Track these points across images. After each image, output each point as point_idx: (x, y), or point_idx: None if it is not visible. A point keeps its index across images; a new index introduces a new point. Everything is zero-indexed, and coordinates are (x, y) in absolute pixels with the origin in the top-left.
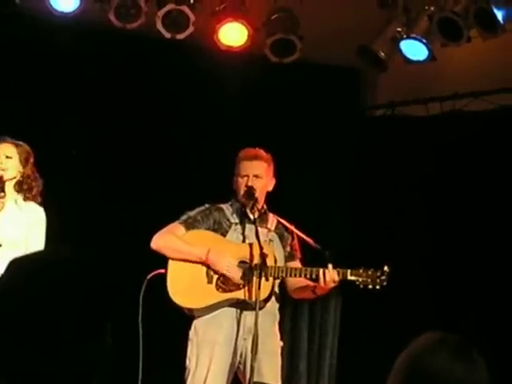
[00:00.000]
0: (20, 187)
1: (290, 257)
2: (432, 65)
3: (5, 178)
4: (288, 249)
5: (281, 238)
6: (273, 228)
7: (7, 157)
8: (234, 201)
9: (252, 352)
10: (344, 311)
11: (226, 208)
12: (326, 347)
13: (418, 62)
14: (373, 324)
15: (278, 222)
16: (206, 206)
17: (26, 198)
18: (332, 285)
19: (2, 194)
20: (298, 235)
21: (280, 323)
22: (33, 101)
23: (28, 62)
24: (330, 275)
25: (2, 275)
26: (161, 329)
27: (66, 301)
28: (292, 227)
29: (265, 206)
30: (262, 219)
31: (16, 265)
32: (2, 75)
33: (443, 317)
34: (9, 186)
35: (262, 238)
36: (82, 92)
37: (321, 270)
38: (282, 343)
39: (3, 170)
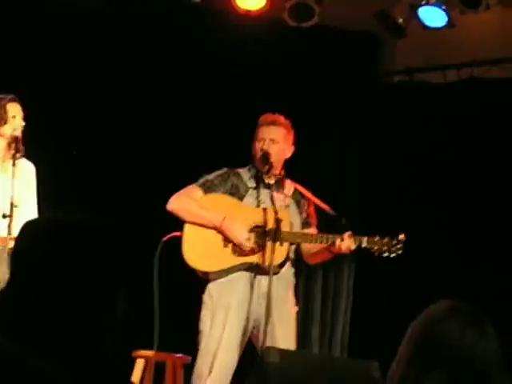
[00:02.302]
0: (18, 147)
1: (305, 223)
2: (450, 31)
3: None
4: (304, 215)
5: (297, 204)
6: (290, 194)
7: (23, 119)
8: (252, 166)
9: (266, 316)
10: (357, 277)
11: (244, 172)
12: (339, 313)
13: (437, 28)
14: (386, 290)
15: (295, 188)
16: (225, 169)
17: (19, 157)
18: (347, 252)
19: (19, 154)
20: (314, 202)
21: (295, 288)
22: (56, 64)
23: (59, 31)
24: (346, 243)
25: (17, 239)
26: (175, 291)
27: (84, 265)
28: (309, 194)
29: (282, 173)
30: (279, 185)
31: (31, 229)
32: (26, 44)
33: (458, 285)
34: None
35: (278, 204)
36: (101, 55)
37: (337, 238)
38: (297, 308)
39: (19, 130)
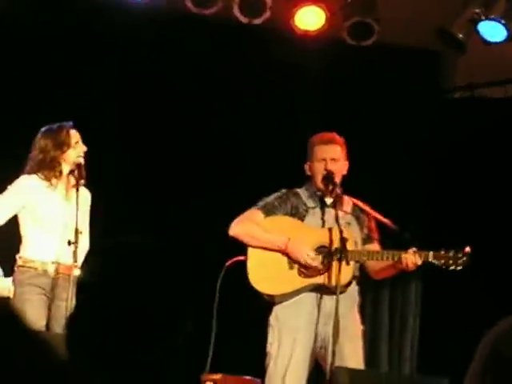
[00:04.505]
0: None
1: (367, 239)
2: (510, 46)
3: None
4: (365, 231)
5: (358, 220)
6: (349, 210)
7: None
8: (309, 186)
9: (333, 336)
10: (425, 293)
11: (302, 193)
12: (407, 331)
13: (497, 43)
14: (454, 308)
15: (354, 204)
16: (283, 191)
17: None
18: (413, 268)
19: (82, 181)
20: (374, 216)
21: (361, 307)
22: (110, 89)
23: (103, 51)
24: (411, 259)
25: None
26: (239, 315)
27: (149, 286)
28: (368, 208)
29: (340, 190)
30: (339, 203)
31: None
32: (76, 64)
33: None
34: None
35: (341, 222)
36: (159, 78)
37: (403, 254)
38: (363, 327)
39: (82, 156)
